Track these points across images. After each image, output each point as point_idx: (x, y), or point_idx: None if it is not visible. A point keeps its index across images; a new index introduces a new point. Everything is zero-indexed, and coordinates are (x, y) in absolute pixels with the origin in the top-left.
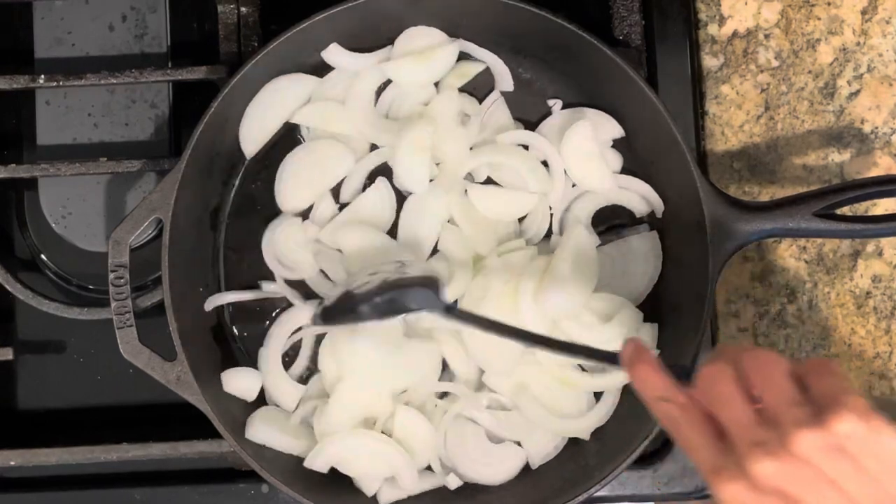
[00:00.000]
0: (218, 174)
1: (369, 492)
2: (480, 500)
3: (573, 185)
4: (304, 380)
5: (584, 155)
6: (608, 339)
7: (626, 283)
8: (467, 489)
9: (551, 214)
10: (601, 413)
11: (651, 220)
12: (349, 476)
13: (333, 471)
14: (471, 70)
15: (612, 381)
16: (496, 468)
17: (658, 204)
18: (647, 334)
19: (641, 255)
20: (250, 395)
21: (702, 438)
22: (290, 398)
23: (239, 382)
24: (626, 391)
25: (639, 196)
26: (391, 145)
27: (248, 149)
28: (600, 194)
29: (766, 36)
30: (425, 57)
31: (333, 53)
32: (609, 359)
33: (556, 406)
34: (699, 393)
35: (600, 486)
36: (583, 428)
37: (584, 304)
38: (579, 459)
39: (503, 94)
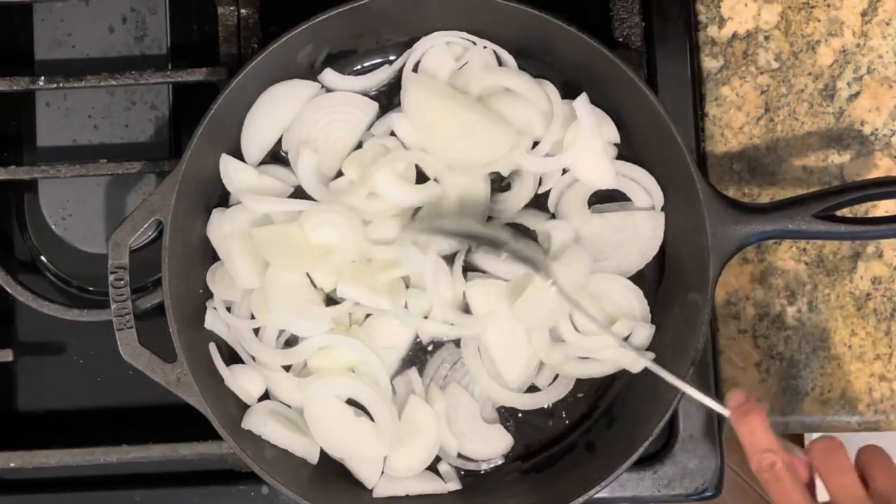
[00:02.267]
0: (218, 175)
1: (369, 483)
2: (480, 503)
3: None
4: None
5: (587, 148)
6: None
7: (619, 256)
8: (466, 490)
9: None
10: (549, 396)
11: None
12: (349, 479)
13: (333, 472)
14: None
15: (600, 345)
16: (486, 446)
17: (658, 196)
18: (646, 334)
19: (641, 232)
20: (252, 396)
21: (802, 497)
22: (289, 392)
23: (244, 380)
24: (623, 398)
25: (639, 186)
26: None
27: (252, 159)
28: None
29: (766, 38)
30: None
31: (329, 76)
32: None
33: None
34: (814, 457)
35: (600, 489)
36: (521, 402)
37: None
38: (579, 461)
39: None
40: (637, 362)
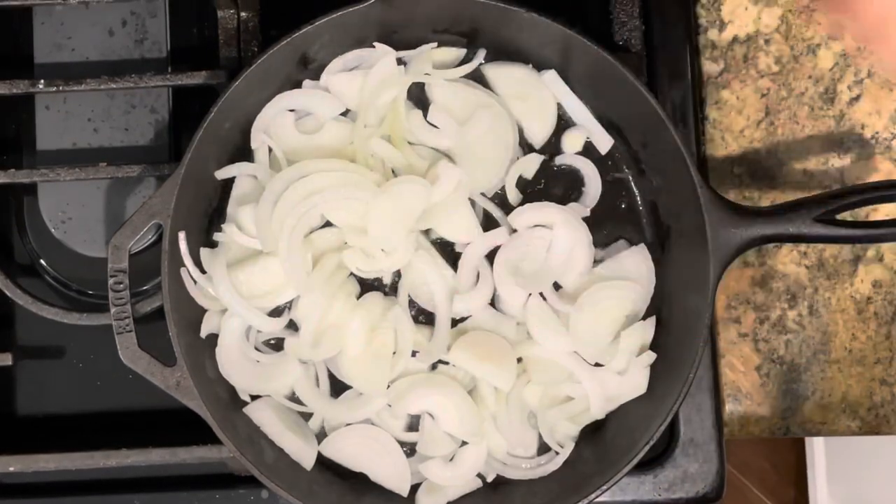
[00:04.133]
0: (218, 179)
1: (402, 492)
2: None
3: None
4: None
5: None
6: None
7: (624, 298)
8: (489, 488)
9: None
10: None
11: (653, 227)
12: (349, 482)
13: (333, 476)
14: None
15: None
16: (526, 446)
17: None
18: (645, 332)
19: (634, 271)
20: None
21: None
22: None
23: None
24: (624, 402)
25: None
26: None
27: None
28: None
29: (767, 41)
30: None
31: (331, 76)
32: None
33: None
34: None
35: (601, 492)
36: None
37: None
38: (579, 466)
39: None
40: (641, 386)
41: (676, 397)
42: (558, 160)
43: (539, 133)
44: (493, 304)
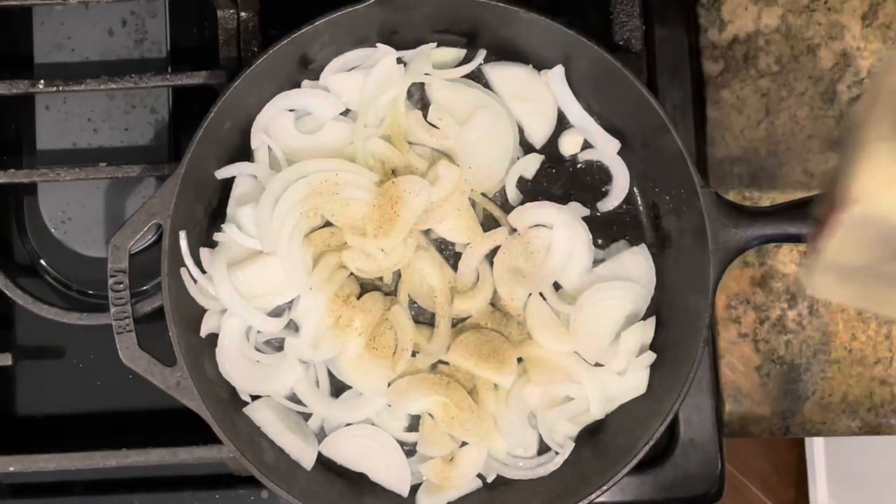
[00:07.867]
0: (217, 179)
1: (402, 492)
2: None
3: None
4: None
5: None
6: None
7: (626, 297)
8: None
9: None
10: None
11: (653, 227)
12: (348, 481)
13: (332, 475)
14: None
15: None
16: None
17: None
18: (645, 332)
19: (635, 271)
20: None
21: None
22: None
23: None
24: (624, 402)
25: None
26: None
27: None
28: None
29: (767, 41)
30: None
31: (331, 76)
32: None
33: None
34: None
35: (601, 493)
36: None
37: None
38: (579, 466)
39: None
40: (640, 386)
41: (676, 397)
42: (581, 156)
43: (539, 133)
44: (493, 304)
